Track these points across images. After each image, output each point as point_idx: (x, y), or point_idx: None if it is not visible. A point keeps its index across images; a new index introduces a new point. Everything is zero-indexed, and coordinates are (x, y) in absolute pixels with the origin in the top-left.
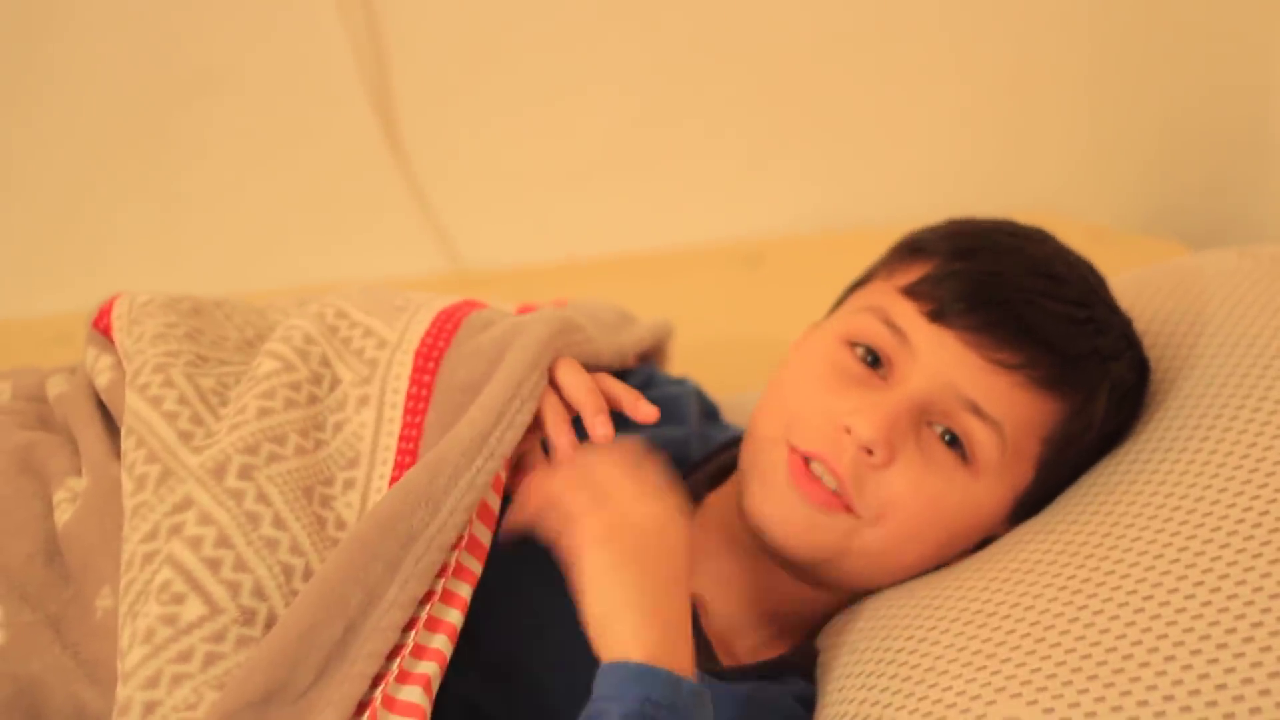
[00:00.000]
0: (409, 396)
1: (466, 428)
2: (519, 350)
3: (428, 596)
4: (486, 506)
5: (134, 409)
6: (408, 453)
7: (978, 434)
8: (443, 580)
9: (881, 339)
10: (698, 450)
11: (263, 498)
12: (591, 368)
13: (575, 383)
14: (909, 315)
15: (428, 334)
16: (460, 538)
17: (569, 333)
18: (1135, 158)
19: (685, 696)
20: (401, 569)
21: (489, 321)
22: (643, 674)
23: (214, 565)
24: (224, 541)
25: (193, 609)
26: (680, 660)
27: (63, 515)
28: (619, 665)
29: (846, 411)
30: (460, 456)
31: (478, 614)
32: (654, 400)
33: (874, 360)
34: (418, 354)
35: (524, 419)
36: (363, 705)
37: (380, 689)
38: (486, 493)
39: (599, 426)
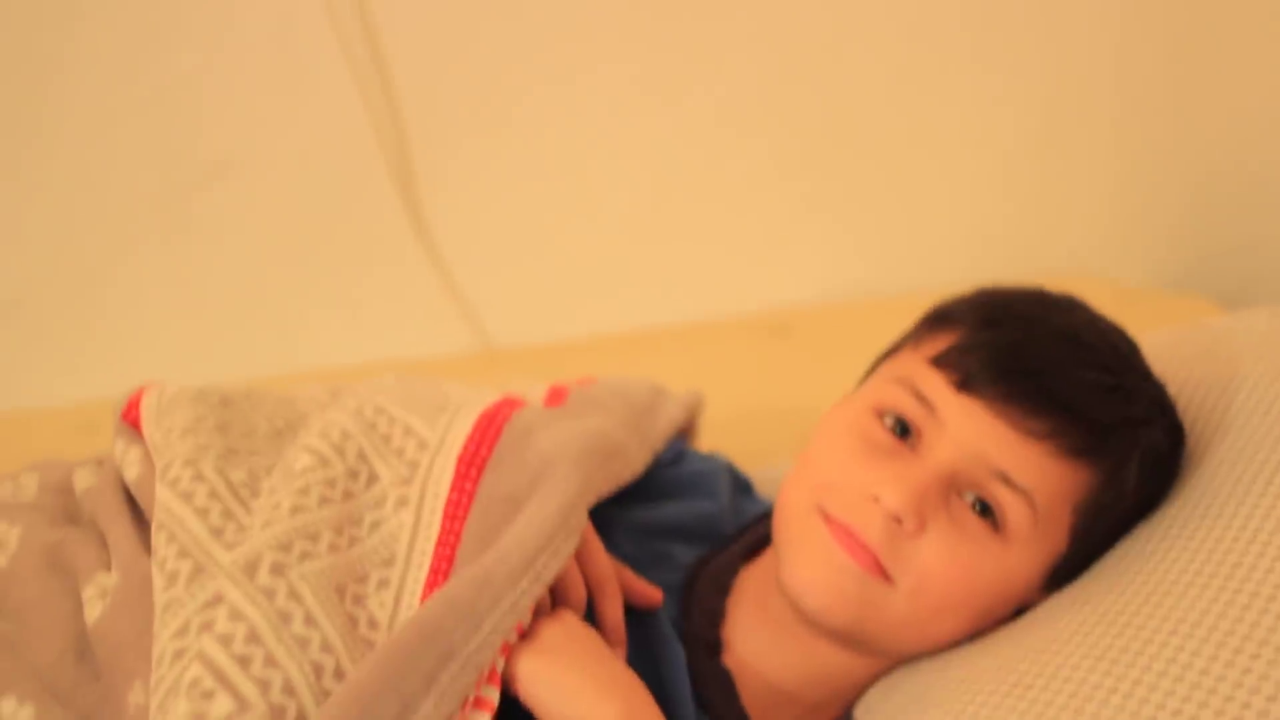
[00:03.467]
0: (449, 503)
1: (515, 548)
2: (565, 478)
3: None
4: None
5: (165, 504)
6: (444, 558)
7: (1008, 503)
8: (468, 701)
9: (910, 410)
10: (730, 525)
11: (294, 595)
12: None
13: (597, 563)
14: (937, 386)
15: (470, 439)
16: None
17: (610, 459)
18: (1164, 217)
19: None
20: (438, 684)
21: (530, 426)
22: None
23: (244, 662)
24: (254, 638)
25: (221, 705)
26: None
27: (93, 611)
28: None
29: (875, 482)
30: (507, 576)
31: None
32: (685, 476)
33: (903, 431)
34: (460, 459)
35: (568, 549)
36: None
37: None
38: (525, 617)
39: (610, 612)
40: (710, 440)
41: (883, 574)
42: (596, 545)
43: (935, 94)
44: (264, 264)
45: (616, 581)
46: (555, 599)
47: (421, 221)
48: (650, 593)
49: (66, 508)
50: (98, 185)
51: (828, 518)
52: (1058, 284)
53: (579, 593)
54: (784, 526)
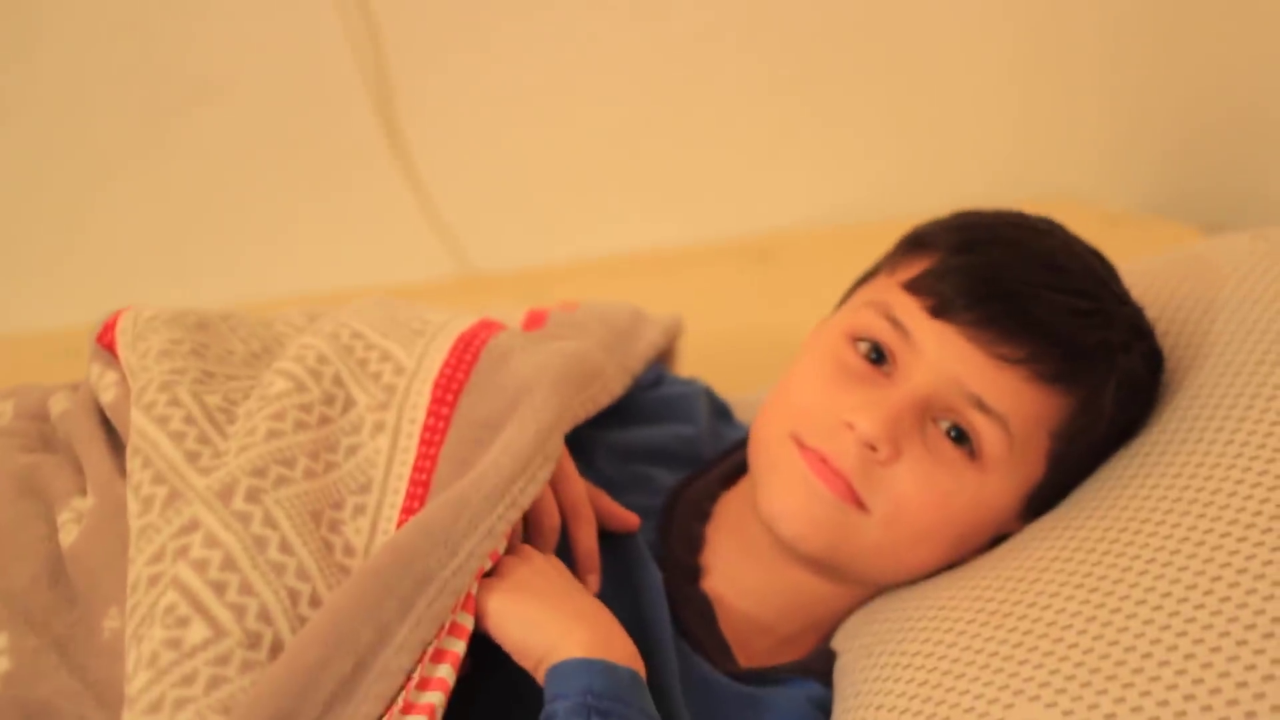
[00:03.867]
0: (425, 428)
1: (492, 473)
2: (542, 403)
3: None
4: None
5: (140, 428)
6: (420, 484)
7: (984, 429)
8: (444, 627)
9: (884, 335)
10: (709, 449)
11: (270, 521)
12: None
13: (571, 489)
14: (911, 311)
15: (446, 363)
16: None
17: (588, 383)
18: (1150, 142)
19: (625, 684)
20: (414, 609)
21: (508, 350)
22: (579, 668)
23: (219, 588)
24: (230, 565)
25: (197, 632)
26: (616, 649)
27: (68, 536)
28: (558, 665)
29: (848, 408)
30: (484, 501)
31: (483, 639)
32: (664, 399)
33: (878, 356)
34: (436, 384)
35: (544, 475)
36: None
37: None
38: (500, 543)
39: (584, 538)
40: (691, 365)
41: (857, 502)
42: (571, 471)
43: (923, 17)
44: (243, 188)
45: (590, 508)
46: (529, 526)
47: (401, 144)
48: (626, 517)
49: (42, 433)
50: (77, 108)
51: (802, 445)
52: (1043, 209)
53: (553, 519)
54: (759, 454)
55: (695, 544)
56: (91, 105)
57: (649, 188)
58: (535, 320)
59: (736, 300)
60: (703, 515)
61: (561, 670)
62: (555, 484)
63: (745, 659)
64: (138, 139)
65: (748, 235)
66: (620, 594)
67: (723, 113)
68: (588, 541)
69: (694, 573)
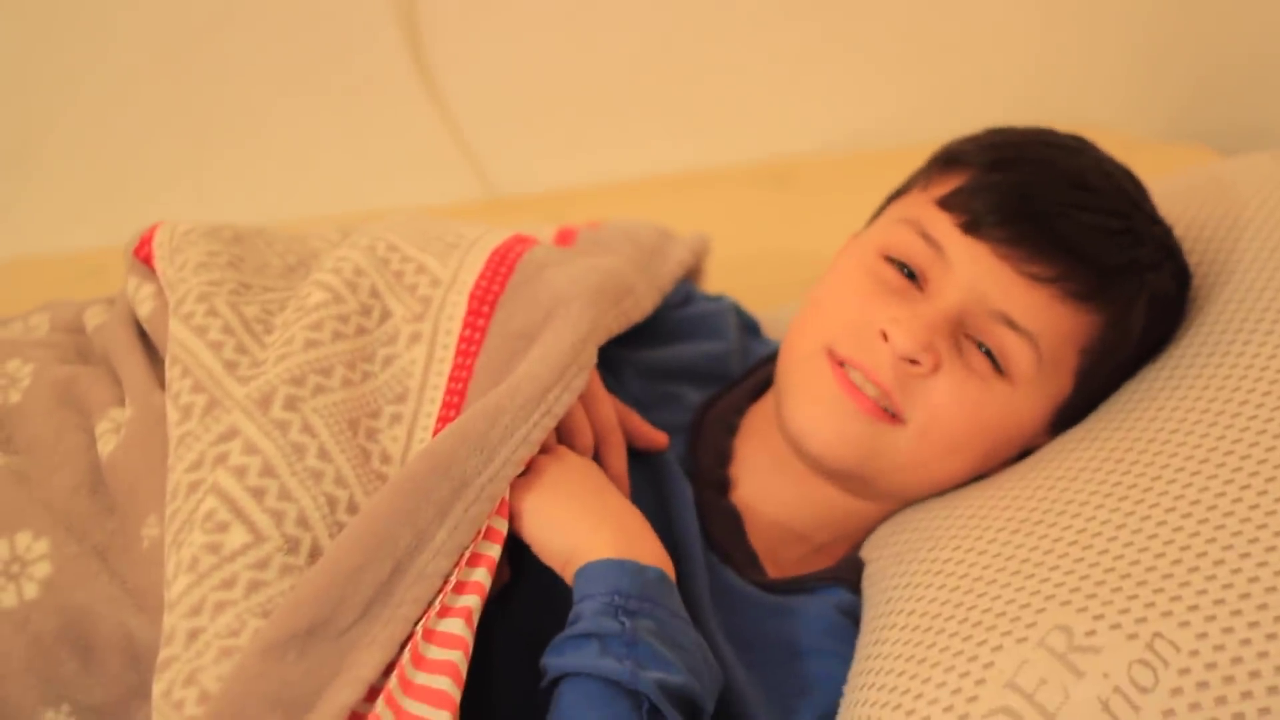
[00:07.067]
0: (461, 338)
1: (528, 381)
2: (577, 315)
3: None
4: None
5: (178, 338)
6: (456, 393)
7: (1012, 347)
8: (480, 532)
9: (917, 252)
10: (738, 365)
11: (308, 429)
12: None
13: (602, 412)
14: (944, 227)
15: (482, 275)
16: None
17: (621, 298)
18: (1172, 72)
19: (652, 583)
20: (452, 514)
21: (543, 263)
22: (608, 568)
23: (258, 494)
24: (269, 471)
25: (236, 536)
26: (644, 550)
27: (106, 446)
28: (585, 567)
29: (885, 320)
30: (519, 408)
31: (518, 544)
32: (693, 317)
33: (910, 273)
34: (472, 295)
35: (579, 384)
36: (403, 644)
37: (421, 623)
38: (534, 450)
39: (614, 462)
40: (716, 285)
41: (888, 416)
42: (602, 394)
43: None
44: (269, 109)
45: (620, 431)
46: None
47: (426, 67)
48: (655, 436)
49: (78, 345)
50: (106, 30)
51: (837, 359)
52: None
53: (585, 439)
54: (790, 369)
55: (724, 457)
56: (118, 26)
57: (670, 111)
58: (565, 237)
59: (755, 224)
60: (731, 429)
61: (589, 571)
62: (586, 406)
63: (774, 569)
64: (161, 60)
65: (767, 160)
66: (650, 508)
67: (744, 37)
68: (618, 465)
69: (723, 485)
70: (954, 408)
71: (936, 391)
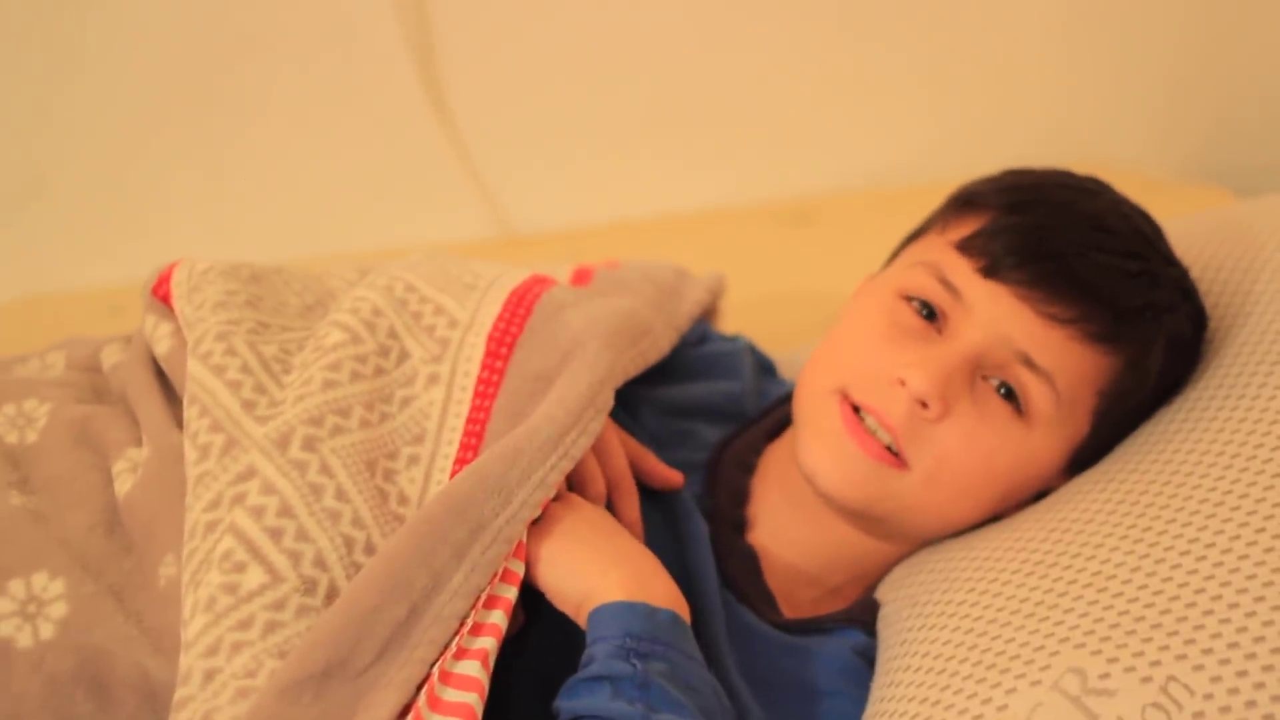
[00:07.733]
0: (479, 380)
1: (546, 423)
2: (594, 357)
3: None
4: None
5: (197, 377)
6: (474, 434)
7: (1032, 387)
8: (496, 574)
9: (935, 295)
10: (753, 406)
11: (326, 469)
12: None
13: (615, 461)
14: (962, 271)
15: (500, 316)
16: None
17: (638, 339)
18: (1193, 113)
19: (664, 625)
20: (469, 556)
21: (561, 304)
22: (619, 611)
23: (276, 535)
24: (286, 511)
25: (253, 577)
26: (656, 592)
27: (123, 485)
28: (598, 609)
29: (902, 365)
30: (537, 450)
31: (534, 587)
32: (708, 356)
33: (929, 314)
34: (490, 337)
35: (596, 428)
36: (419, 685)
37: (437, 665)
38: (551, 493)
39: (627, 510)
40: (733, 325)
41: (894, 461)
42: (614, 443)
43: None
44: (287, 145)
45: (633, 480)
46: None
47: (443, 105)
48: (671, 475)
49: (94, 384)
50: (124, 66)
51: (849, 402)
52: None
53: (598, 486)
54: (802, 405)
55: (741, 497)
56: (136, 62)
57: (689, 149)
58: (582, 277)
59: (775, 263)
60: (748, 468)
61: (601, 613)
62: (599, 454)
63: (790, 610)
64: (181, 96)
65: (787, 197)
66: (666, 548)
67: (764, 74)
68: (631, 513)
69: (740, 525)
70: (963, 455)
71: (945, 438)
